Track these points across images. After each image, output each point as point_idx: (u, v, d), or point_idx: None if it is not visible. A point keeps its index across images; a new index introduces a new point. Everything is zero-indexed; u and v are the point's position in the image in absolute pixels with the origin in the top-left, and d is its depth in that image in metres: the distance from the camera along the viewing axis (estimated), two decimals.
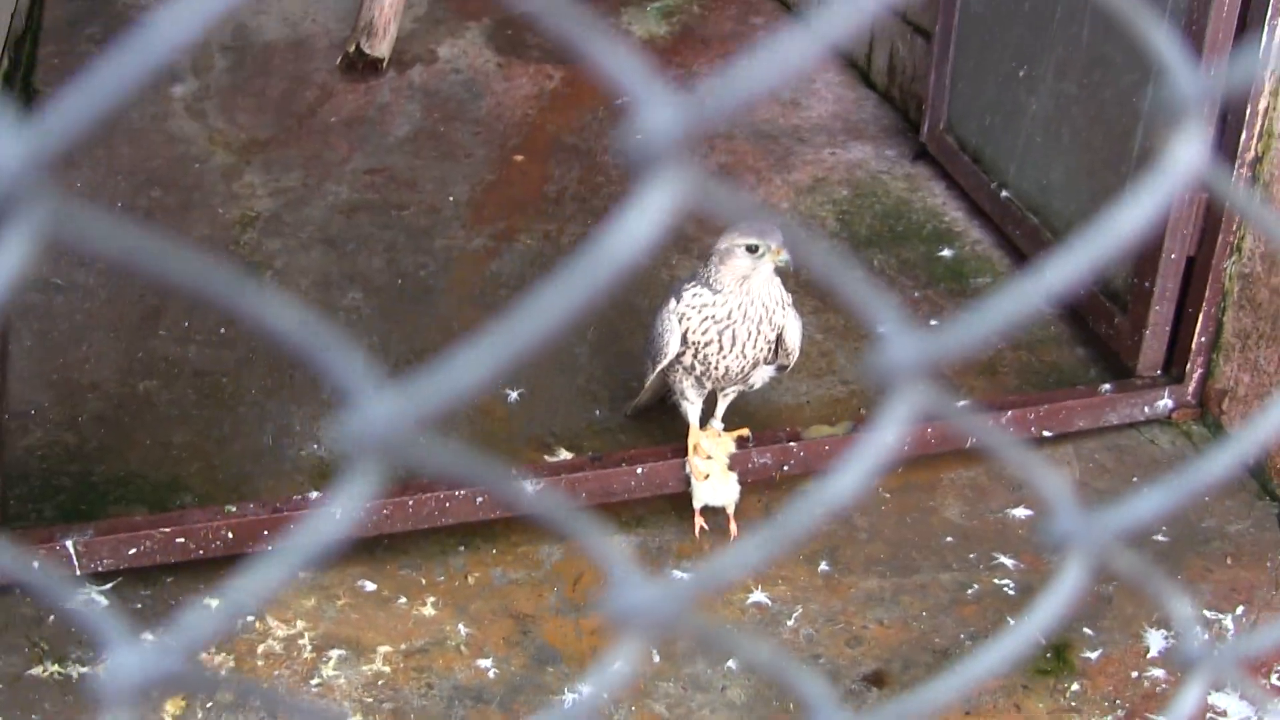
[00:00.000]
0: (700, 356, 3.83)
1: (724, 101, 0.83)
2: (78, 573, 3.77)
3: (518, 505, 1.21)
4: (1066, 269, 1.02)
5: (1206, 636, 3.69)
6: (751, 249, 3.69)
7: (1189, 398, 4.49)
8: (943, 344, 0.99)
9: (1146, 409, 4.48)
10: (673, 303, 3.85)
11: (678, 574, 3.93)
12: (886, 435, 0.98)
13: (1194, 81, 1.02)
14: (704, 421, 4.12)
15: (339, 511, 0.85)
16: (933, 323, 4.96)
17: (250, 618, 3.78)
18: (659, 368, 3.92)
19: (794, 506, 0.98)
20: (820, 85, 6.67)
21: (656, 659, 3.68)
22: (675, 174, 0.83)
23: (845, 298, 0.99)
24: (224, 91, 6.55)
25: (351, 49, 6.67)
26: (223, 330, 4.85)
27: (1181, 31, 4.13)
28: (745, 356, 3.84)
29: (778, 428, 4.28)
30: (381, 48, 6.68)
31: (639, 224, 0.84)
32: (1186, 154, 1.04)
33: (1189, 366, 4.45)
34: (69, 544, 3.74)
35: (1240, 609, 3.83)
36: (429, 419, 0.84)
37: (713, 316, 3.77)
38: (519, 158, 6.04)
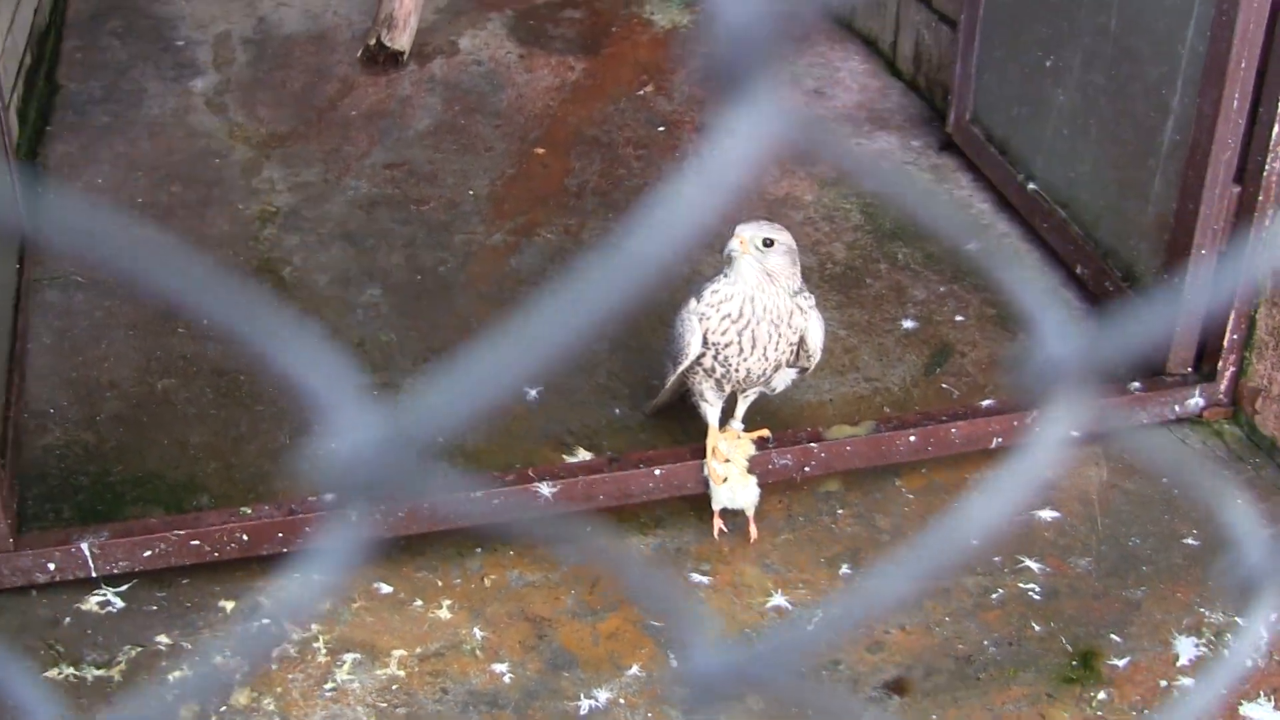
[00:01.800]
0: (721, 358, 3.77)
1: None
2: (93, 574, 3.75)
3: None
4: None
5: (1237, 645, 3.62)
6: (736, 234, 3.69)
7: (1221, 396, 4.41)
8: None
9: (1177, 408, 4.41)
10: (693, 302, 3.80)
11: (697, 577, 3.89)
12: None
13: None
14: (724, 422, 4.06)
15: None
16: (958, 318, 4.89)
17: (266, 620, 3.74)
18: (680, 369, 3.86)
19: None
20: (845, 74, 6.60)
21: (674, 663, 3.63)
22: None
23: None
24: (244, 85, 6.52)
25: (372, 41, 6.63)
26: None
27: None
28: (767, 359, 3.78)
29: (799, 428, 4.22)
30: (402, 40, 6.63)
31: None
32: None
33: (1220, 364, 4.37)
34: (84, 546, 3.71)
35: (1274, 615, 3.75)
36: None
37: (730, 315, 3.71)
38: (540, 151, 5.99)
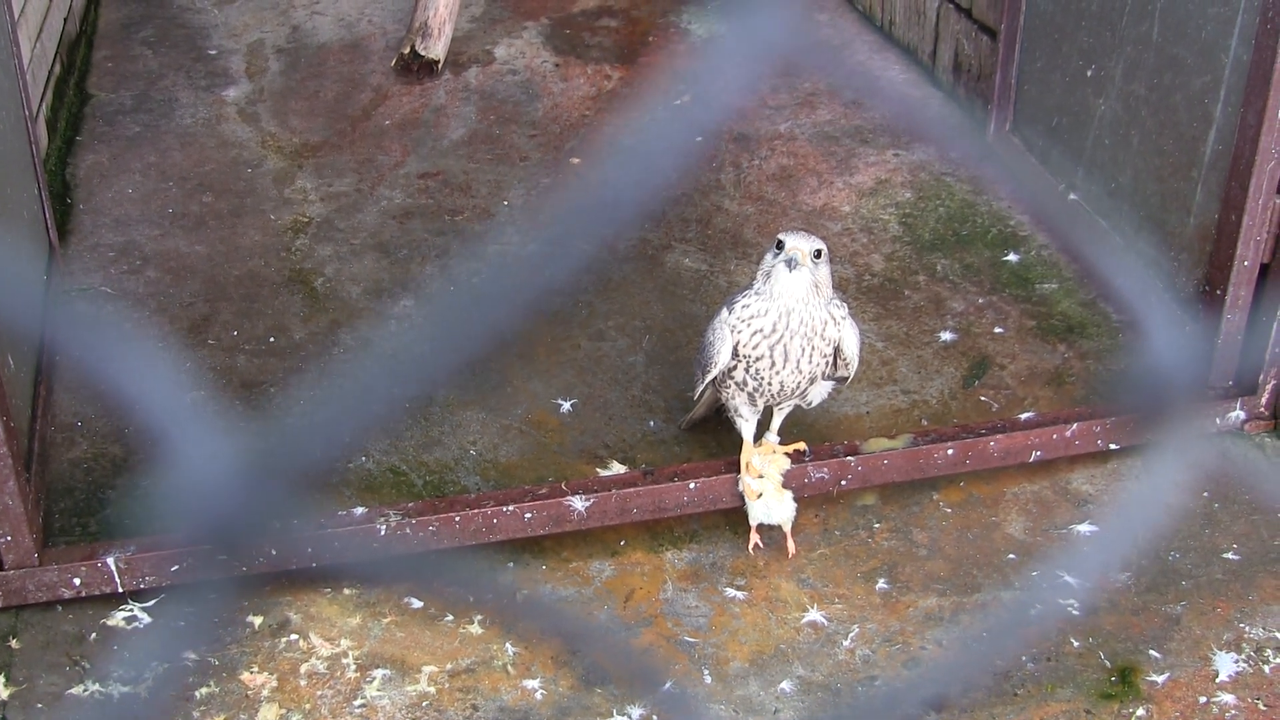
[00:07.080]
0: (752, 371, 3.72)
1: None
2: (119, 590, 3.71)
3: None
4: None
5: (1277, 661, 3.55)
6: (779, 245, 3.61)
7: (1262, 409, 4.34)
8: None
9: (1218, 421, 4.34)
10: (724, 312, 3.75)
11: (732, 592, 3.83)
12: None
13: None
14: (759, 435, 4.00)
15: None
16: (997, 330, 4.83)
17: (294, 636, 3.70)
18: (709, 377, 3.81)
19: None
20: (884, 84, 6.54)
21: (709, 679, 3.57)
22: None
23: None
24: (277, 94, 6.50)
25: (406, 50, 6.60)
26: (272, 339, 4.78)
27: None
28: (801, 372, 3.72)
29: (835, 441, 4.16)
30: (437, 49, 6.60)
31: None
32: None
33: (1262, 377, 4.30)
34: (110, 561, 3.68)
35: None
36: None
37: (761, 330, 3.66)
38: (575, 160, 5.95)
